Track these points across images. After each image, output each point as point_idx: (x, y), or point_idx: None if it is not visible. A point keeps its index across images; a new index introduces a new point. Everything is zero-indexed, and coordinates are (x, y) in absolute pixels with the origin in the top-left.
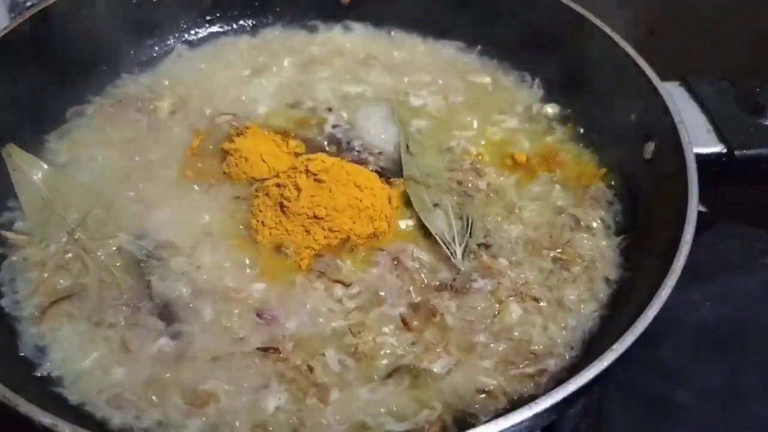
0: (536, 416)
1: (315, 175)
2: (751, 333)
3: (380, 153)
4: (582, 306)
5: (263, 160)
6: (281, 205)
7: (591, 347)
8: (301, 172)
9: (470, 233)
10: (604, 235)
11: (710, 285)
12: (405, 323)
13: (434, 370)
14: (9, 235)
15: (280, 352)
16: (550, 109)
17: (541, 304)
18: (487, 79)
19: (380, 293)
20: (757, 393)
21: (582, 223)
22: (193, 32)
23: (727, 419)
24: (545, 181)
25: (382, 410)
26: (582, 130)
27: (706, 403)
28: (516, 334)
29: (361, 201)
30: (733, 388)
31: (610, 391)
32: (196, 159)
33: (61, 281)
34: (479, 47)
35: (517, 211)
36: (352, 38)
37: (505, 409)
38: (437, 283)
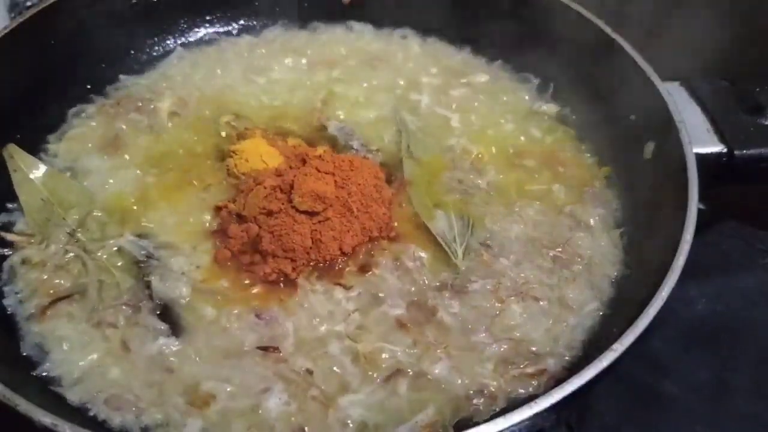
0: (536, 416)
1: (317, 173)
2: (744, 331)
3: (378, 150)
4: (582, 305)
5: (263, 161)
6: (281, 206)
7: (591, 347)
8: (304, 174)
9: (471, 233)
10: (604, 234)
11: (708, 283)
12: (404, 325)
13: (434, 371)
14: (9, 235)
15: (280, 351)
16: (550, 109)
17: (542, 303)
18: (488, 79)
19: (380, 294)
20: (746, 389)
21: (582, 222)
22: (193, 32)
23: (714, 413)
24: (545, 180)
25: (383, 412)
26: (582, 130)
27: (694, 396)
28: (516, 334)
29: (361, 202)
30: (721, 383)
31: None
32: (195, 159)
33: (61, 281)
34: (480, 47)
35: (517, 210)
36: (353, 38)
37: (504, 409)
38: (438, 283)
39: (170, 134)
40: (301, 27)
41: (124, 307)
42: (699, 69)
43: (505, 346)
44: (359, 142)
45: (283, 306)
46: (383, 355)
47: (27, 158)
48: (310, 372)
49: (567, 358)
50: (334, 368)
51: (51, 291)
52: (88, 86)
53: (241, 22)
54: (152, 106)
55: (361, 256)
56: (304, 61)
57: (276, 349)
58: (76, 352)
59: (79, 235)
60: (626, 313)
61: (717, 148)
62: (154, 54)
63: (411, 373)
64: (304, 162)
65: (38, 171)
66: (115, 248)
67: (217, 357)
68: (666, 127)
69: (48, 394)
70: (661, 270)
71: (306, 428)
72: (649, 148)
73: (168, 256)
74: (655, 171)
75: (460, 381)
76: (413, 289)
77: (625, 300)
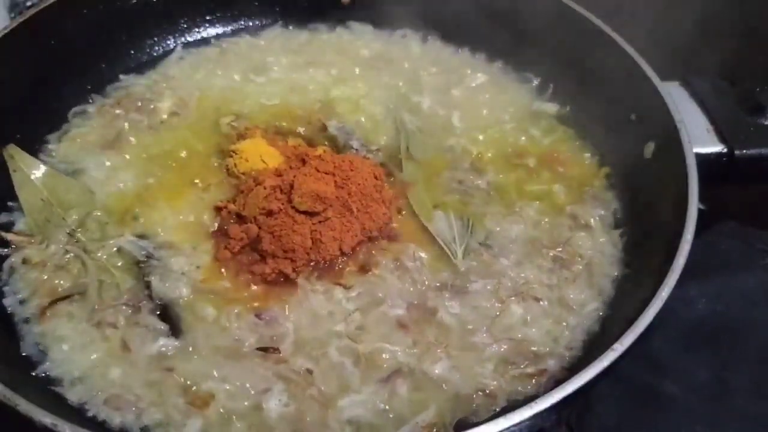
0: (536, 416)
1: (316, 173)
2: (744, 331)
3: (378, 150)
4: (582, 305)
5: (263, 161)
6: (281, 206)
7: (591, 347)
8: (304, 174)
9: (471, 233)
10: (604, 234)
11: (708, 283)
12: (404, 325)
13: (434, 371)
14: (9, 236)
15: (279, 352)
16: (550, 109)
17: (542, 303)
18: (488, 79)
19: (380, 294)
20: (746, 389)
21: (582, 222)
22: (193, 32)
23: (714, 413)
24: (545, 180)
25: (383, 412)
26: (582, 130)
27: (694, 396)
28: (516, 334)
29: (361, 202)
30: (721, 383)
31: None
32: (196, 159)
33: (61, 281)
34: (480, 47)
35: (517, 210)
36: (352, 38)
37: (504, 409)
38: (438, 283)
39: (170, 134)
40: (301, 27)
41: (124, 307)
42: (699, 69)
43: (505, 346)
44: (359, 142)
45: (283, 306)
46: (383, 356)
47: (27, 158)
48: (310, 372)
49: (567, 358)
50: (334, 368)
51: (51, 291)
52: (88, 86)
53: (241, 22)
54: (152, 106)
55: (361, 256)
56: (304, 61)
57: (276, 349)
58: (76, 352)
59: (79, 235)
60: (626, 313)
61: (717, 148)
62: (154, 54)
63: (411, 374)
64: (304, 162)
65: (38, 171)
66: (115, 248)
67: (217, 357)
68: (666, 127)
69: (48, 394)
70: (661, 270)
71: (306, 428)
72: (649, 148)
73: (168, 256)
74: (655, 171)
75: (460, 381)
76: (413, 289)
77: (625, 300)
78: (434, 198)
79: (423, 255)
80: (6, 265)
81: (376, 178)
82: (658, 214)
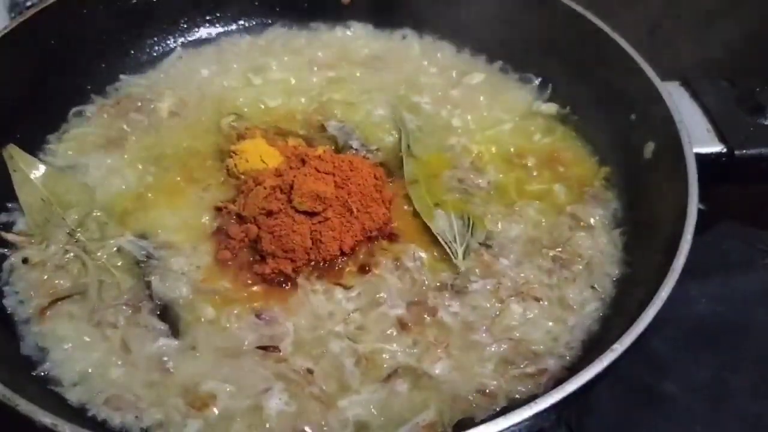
0: (536, 416)
1: (316, 173)
2: (744, 331)
3: (378, 150)
4: (582, 305)
5: (263, 161)
6: (281, 206)
7: (591, 347)
8: (304, 174)
9: (471, 233)
10: (604, 234)
11: (708, 283)
12: (404, 325)
13: (435, 371)
14: (9, 236)
15: (280, 351)
16: (550, 109)
17: (542, 303)
18: (488, 79)
19: (381, 294)
20: (746, 389)
21: (582, 222)
22: (193, 32)
23: (713, 413)
24: (545, 180)
25: (383, 412)
26: (582, 130)
27: (693, 396)
28: (516, 334)
29: (361, 202)
30: (721, 383)
31: None
32: (195, 159)
33: (61, 281)
34: (480, 47)
35: (517, 209)
36: (353, 38)
37: (504, 409)
38: (438, 284)
39: (170, 134)
40: (301, 27)
41: (124, 307)
42: (699, 69)
43: (505, 346)
44: (359, 142)
45: (283, 306)
46: (383, 356)
47: (27, 158)
48: (310, 372)
49: (567, 358)
50: (335, 368)
51: (51, 291)
52: (88, 86)
53: (241, 22)
54: (152, 106)
55: (361, 256)
56: (304, 61)
57: (276, 348)
58: (76, 352)
59: (79, 235)
60: (626, 313)
61: (717, 148)
62: (154, 54)
63: (411, 373)
64: (303, 162)
65: (38, 171)
66: (115, 248)
67: (217, 357)
68: (666, 127)
69: (48, 394)
70: (661, 270)
71: (306, 428)
72: (649, 148)
73: (168, 256)
74: (655, 171)
75: (460, 381)
76: (413, 289)
77: (625, 300)
78: (435, 197)
79: (423, 255)
80: (6, 265)
81: (376, 178)
82: (658, 214)
